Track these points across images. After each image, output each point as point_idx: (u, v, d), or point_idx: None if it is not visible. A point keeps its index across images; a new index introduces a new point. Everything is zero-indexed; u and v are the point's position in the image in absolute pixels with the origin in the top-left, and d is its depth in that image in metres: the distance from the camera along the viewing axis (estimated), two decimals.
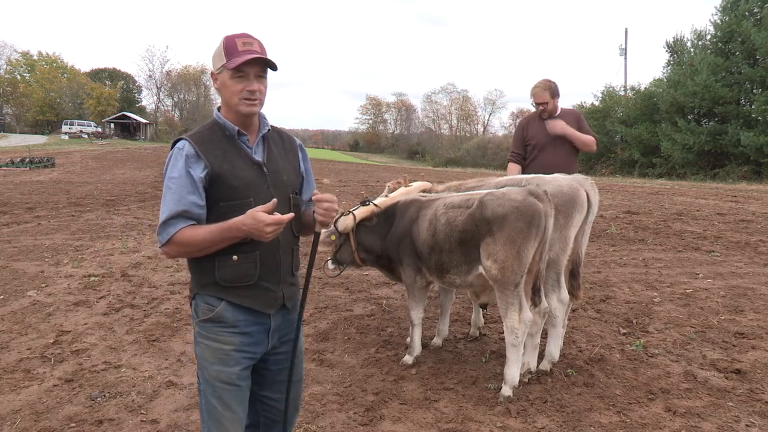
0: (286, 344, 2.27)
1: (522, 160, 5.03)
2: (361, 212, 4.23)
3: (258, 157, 2.15)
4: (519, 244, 3.48)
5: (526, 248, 3.50)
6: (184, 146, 2.05)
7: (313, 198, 2.14)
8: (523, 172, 4.98)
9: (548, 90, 4.89)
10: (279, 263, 2.16)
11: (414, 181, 4.81)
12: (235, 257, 2.06)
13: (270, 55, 2.09)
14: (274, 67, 2.08)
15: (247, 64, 2.01)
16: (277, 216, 1.95)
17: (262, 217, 1.92)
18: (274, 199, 1.98)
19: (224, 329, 2.10)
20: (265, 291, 2.13)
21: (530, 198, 3.52)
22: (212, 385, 2.12)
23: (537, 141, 4.91)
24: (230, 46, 2.03)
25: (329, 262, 4.47)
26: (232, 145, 2.12)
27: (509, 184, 3.98)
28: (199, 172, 2.02)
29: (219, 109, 2.17)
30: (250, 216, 1.93)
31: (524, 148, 5.01)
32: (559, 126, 4.76)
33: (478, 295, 4.13)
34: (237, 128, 2.11)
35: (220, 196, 2.05)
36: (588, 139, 4.87)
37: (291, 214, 2.00)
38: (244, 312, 2.11)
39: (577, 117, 5.00)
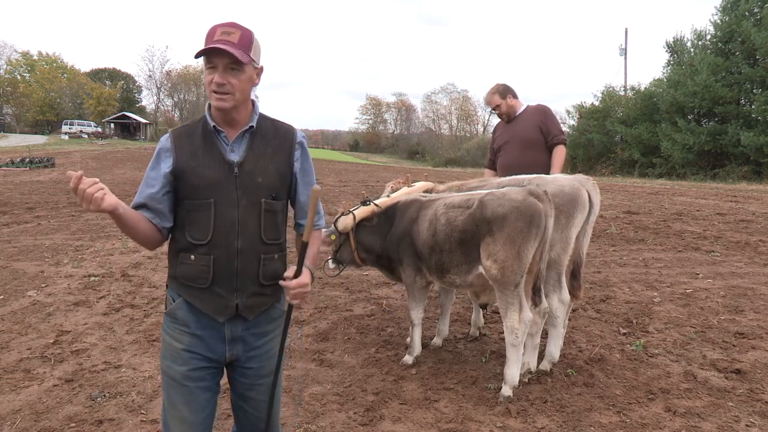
0: (253, 360, 2.14)
1: (493, 165, 5.23)
2: (361, 212, 4.23)
3: (234, 155, 2.03)
4: (519, 244, 3.48)
5: (526, 248, 3.50)
6: (164, 139, 2.07)
7: (281, 283, 2.04)
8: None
9: (497, 93, 5.03)
10: (236, 271, 2.03)
11: (416, 181, 4.82)
12: (192, 257, 2.02)
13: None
14: (238, 61, 1.92)
15: (214, 54, 1.91)
16: (86, 179, 1.75)
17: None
18: (75, 172, 1.75)
19: (177, 326, 2.07)
20: (218, 297, 2.03)
21: (530, 198, 3.52)
22: (164, 377, 2.11)
23: (497, 144, 5.09)
24: (209, 34, 1.94)
25: (329, 261, 4.47)
26: (208, 141, 2.03)
27: (511, 185, 3.98)
28: (166, 166, 2.01)
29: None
30: None
31: (494, 153, 5.17)
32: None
33: (478, 295, 4.13)
34: (213, 124, 2.03)
35: (184, 194, 2.02)
36: (560, 160, 4.79)
37: (77, 173, 1.75)
38: (196, 313, 2.05)
39: (542, 114, 4.91)
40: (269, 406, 2.18)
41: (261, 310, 2.13)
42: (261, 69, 2.07)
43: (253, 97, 2.12)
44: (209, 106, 2.06)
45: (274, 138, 2.12)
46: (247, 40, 1.96)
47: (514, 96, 5.03)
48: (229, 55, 1.90)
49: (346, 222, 4.21)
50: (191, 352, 2.06)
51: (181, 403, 2.07)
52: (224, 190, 2.00)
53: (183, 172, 2.00)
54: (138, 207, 2.02)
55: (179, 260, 2.06)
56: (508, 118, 5.02)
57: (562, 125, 5.23)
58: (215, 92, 1.95)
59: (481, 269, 3.66)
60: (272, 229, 2.09)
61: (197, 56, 1.93)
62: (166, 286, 2.16)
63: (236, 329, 2.09)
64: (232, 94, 1.96)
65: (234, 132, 2.06)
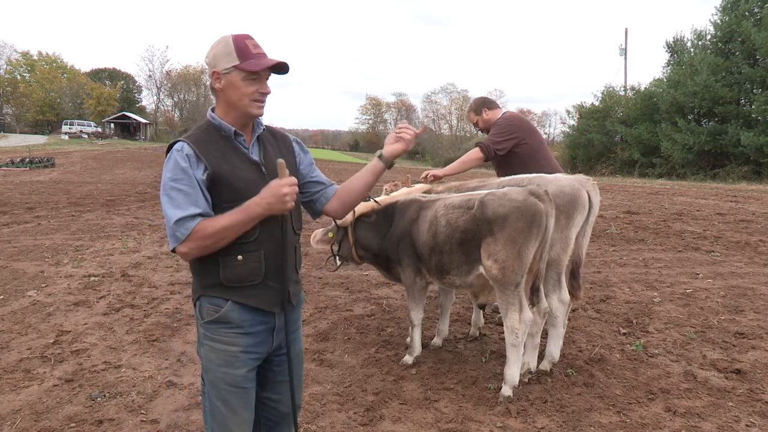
0: (290, 344, 2.25)
1: None
2: (361, 207, 4.21)
3: (255, 156, 2.15)
4: (520, 244, 3.48)
5: (526, 248, 3.49)
6: (183, 147, 2.01)
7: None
8: None
9: (471, 111, 5.12)
10: (284, 261, 2.13)
11: (416, 181, 4.80)
12: (240, 257, 2.04)
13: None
14: (286, 71, 2.10)
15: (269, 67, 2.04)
16: (290, 178, 1.99)
17: (275, 183, 1.97)
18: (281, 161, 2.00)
19: (230, 330, 2.08)
20: (272, 290, 2.11)
21: (531, 198, 3.52)
22: (217, 387, 2.10)
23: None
24: (243, 47, 2.02)
25: (336, 258, 4.44)
26: (230, 145, 2.10)
27: (510, 185, 3.98)
28: (200, 174, 1.98)
29: (213, 109, 2.14)
30: (266, 188, 1.97)
31: None
32: (430, 175, 4.72)
33: (477, 295, 4.13)
34: (234, 128, 2.09)
35: (222, 198, 2.01)
36: (463, 159, 4.77)
37: (295, 179, 2.02)
38: (249, 312, 2.09)
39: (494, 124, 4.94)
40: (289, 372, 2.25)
41: (298, 296, 2.28)
42: None
43: None
44: (213, 110, 2.14)
45: (275, 141, 2.29)
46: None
47: (490, 107, 5.05)
48: (282, 67, 2.07)
49: (346, 217, 4.18)
50: (248, 352, 2.11)
51: (242, 407, 2.13)
52: (261, 189, 2.02)
53: (220, 176, 2.02)
54: (194, 216, 1.94)
55: (222, 265, 2.04)
56: (488, 132, 5.03)
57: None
58: (258, 101, 2.06)
59: (481, 269, 3.66)
60: (298, 219, 2.26)
61: (262, 70, 2.03)
62: (199, 297, 2.11)
63: (282, 317, 2.20)
64: (265, 102, 2.11)
65: (248, 137, 2.17)
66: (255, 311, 2.10)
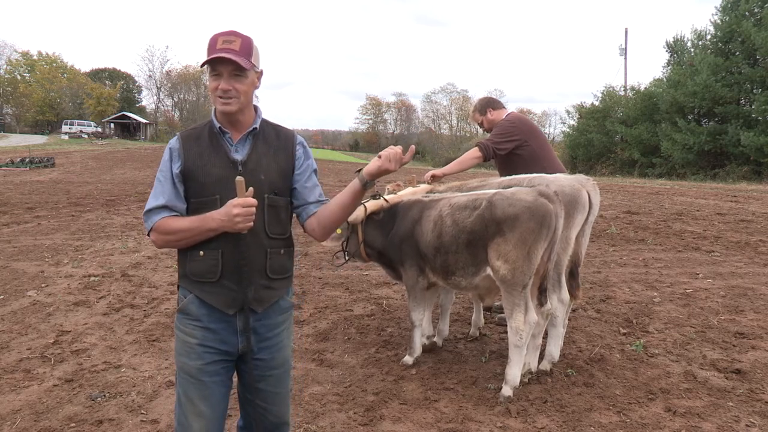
0: (264, 351, 2.20)
1: None
2: (371, 205, 4.21)
3: (238, 155, 2.14)
4: (530, 245, 3.47)
5: (536, 249, 3.48)
6: (173, 141, 2.17)
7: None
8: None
9: (476, 111, 5.13)
10: (244, 264, 2.09)
11: (420, 182, 4.79)
12: (201, 253, 2.09)
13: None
14: (241, 68, 2.03)
15: (218, 62, 2.03)
16: (243, 198, 1.98)
17: (230, 202, 1.98)
18: (251, 188, 2.00)
19: (190, 322, 2.14)
20: (227, 290, 2.10)
21: (541, 198, 3.51)
22: (179, 374, 2.17)
23: None
24: (211, 44, 2.05)
25: (344, 253, 4.43)
26: (214, 142, 2.14)
27: (512, 184, 3.97)
28: (176, 167, 2.11)
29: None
30: (225, 205, 2.00)
31: None
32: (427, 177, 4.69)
33: (483, 297, 4.11)
34: (219, 125, 2.15)
35: (191, 192, 2.12)
36: (461, 158, 4.78)
37: (253, 200, 2.00)
38: (207, 307, 2.12)
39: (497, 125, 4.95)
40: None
41: (270, 302, 2.20)
42: (261, 72, 2.19)
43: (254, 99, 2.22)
44: (215, 109, 2.17)
45: (276, 140, 2.24)
46: (247, 46, 2.07)
47: (495, 107, 5.05)
48: (233, 62, 2.03)
49: (357, 213, 4.16)
50: (205, 346, 2.12)
51: (198, 399, 2.13)
52: (229, 187, 2.05)
53: (191, 171, 2.11)
54: (160, 207, 2.09)
55: (188, 258, 2.13)
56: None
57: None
58: (221, 98, 2.07)
59: (488, 271, 3.63)
60: (276, 223, 2.18)
61: (203, 65, 2.05)
62: (178, 286, 2.22)
63: (249, 320, 2.16)
64: (237, 98, 2.08)
65: (238, 134, 2.17)
66: (213, 308, 2.12)
